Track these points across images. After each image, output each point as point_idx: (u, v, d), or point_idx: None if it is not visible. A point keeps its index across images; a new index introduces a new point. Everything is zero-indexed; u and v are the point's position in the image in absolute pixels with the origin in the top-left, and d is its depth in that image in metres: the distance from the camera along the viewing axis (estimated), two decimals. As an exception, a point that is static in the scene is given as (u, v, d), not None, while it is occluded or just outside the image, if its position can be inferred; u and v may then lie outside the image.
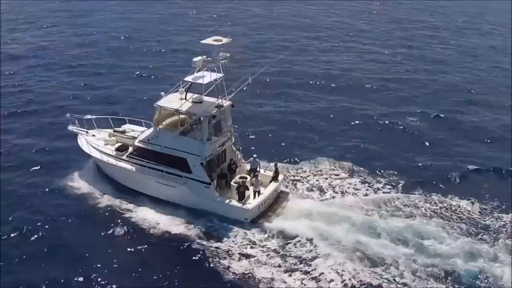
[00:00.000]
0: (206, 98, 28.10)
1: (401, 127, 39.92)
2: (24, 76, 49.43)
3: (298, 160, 33.57)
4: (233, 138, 29.25)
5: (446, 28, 75.73)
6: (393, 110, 43.30)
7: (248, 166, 29.65)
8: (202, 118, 27.04)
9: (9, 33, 64.83)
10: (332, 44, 63.87)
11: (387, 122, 40.74)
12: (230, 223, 27.12)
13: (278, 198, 29.08)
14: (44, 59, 54.41)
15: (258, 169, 29.29)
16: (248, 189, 27.78)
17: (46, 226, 26.83)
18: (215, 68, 27.35)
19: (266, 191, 28.26)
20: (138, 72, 50.18)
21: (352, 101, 44.93)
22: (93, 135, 31.04)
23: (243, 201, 27.22)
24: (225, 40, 27.26)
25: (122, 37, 63.67)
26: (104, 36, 64.41)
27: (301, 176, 31.92)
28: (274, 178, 29.08)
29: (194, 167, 27.40)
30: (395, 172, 32.54)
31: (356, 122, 40.71)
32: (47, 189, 29.76)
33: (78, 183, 29.95)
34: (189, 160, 27.39)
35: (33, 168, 31.91)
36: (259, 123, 39.46)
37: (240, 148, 30.13)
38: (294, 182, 31.19)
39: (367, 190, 30.53)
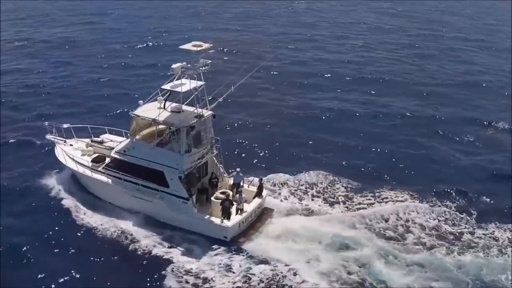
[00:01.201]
0: (185, 107, 26.40)
1: (461, 138, 37.74)
2: (37, 75, 49.06)
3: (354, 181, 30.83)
4: (214, 150, 27.39)
5: (470, 29, 74.48)
6: (445, 118, 41.21)
7: (231, 181, 27.78)
8: (180, 129, 25.36)
9: (21, 31, 65.25)
10: (361, 45, 62.93)
11: (441, 131, 38.65)
12: (208, 242, 25.18)
13: (261, 215, 27.13)
14: (58, 58, 54.35)
15: (241, 184, 27.42)
16: (233, 204, 25.83)
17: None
18: (195, 76, 25.68)
19: (249, 208, 26.33)
20: (160, 72, 48.33)
21: (396, 106, 43.31)
22: (71, 145, 29.61)
23: (223, 217, 25.29)
24: (205, 45, 25.63)
25: (140, 36, 63.29)
26: (122, 35, 64.34)
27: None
28: (258, 193, 27.17)
29: (171, 181, 25.67)
30: (462, 193, 29.80)
31: (408, 131, 38.43)
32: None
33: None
34: (166, 173, 25.68)
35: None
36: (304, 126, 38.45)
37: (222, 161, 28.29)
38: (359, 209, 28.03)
39: (430, 217, 27.46)
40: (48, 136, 30.10)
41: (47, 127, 30.07)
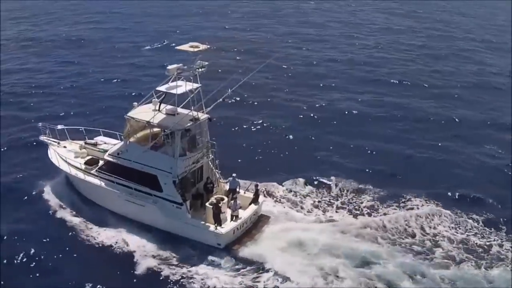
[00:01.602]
0: (181, 110, 25.69)
1: (481, 141, 36.71)
2: (45, 75, 48.50)
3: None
4: (210, 155, 26.59)
5: (479, 30, 73.66)
6: (462, 120, 40.38)
7: (226, 186, 26.98)
8: (175, 132, 24.63)
9: (27, 30, 65.12)
10: (373, 46, 62.19)
11: (460, 134, 37.75)
12: (201, 249, 24.43)
13: (257, 222, 26.28)
14: (65, 58, 54.01)
15: (237, 189, 26.61)
16: (221, 211, 24.81)
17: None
18: (191, 78, 24.94)
19: (244, 214, 25.55)
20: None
21: (413, 109, 42.61)
22: (64, 147, 28.96)
23: (216, 224, 24.53)
24: (202, 46, 24.90)
25: (149, 36, 62.72)
26: (129, 35, 63.84)
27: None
28: (254, 200, 26.35)
29: (165, 185, 24.94)
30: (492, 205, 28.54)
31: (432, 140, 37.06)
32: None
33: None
34: (159, 177, 24.94)
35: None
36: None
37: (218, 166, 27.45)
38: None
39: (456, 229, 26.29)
40: (42, 138, 29.50)
41: (40, 128, 29.46)
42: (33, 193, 28.39)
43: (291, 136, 36.67)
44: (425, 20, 78.63)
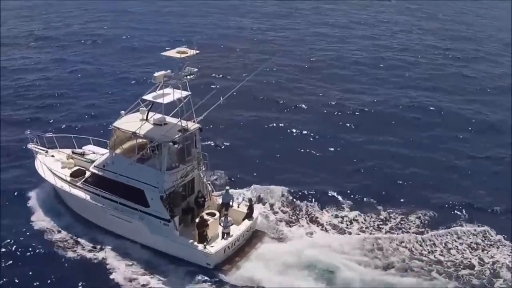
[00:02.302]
0: (169, 120, 24.09)
1: None
2: (59, 75, 47.14)
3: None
4: (202, 167, 24.91)
5: (499, 32, 70.41)
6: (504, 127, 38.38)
7: (219, 200, 25.32)
8: (162, 144, 23.04)
9: (39, 29, 63.56)
10: (400, 49, 59.65)
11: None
12: (190, 269, 22.80)
13: (251, 239, 24.59)
14: (79, 58, 52.43)
15: (231, 203, 24.97)
16: (206, 228, 22.98)
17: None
18: (180, 85, 23.27)
19: (236, 231, 23.88)
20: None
21: (452, 115, 40.73)
22: (52, 156, 27.61)
23: (205, 243, 22.90)
24: (190, 52, 23.10)
25: (166, 36, 60.39)
26: (144, 35, 61.75)
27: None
28: (248, 215, 24.65)
29: (152, 200, 23.39)
30: None
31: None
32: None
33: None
34: (146, 192, 23.39)
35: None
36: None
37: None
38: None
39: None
40: (30, 146, 28.11)
41: (28, 136, 28.08)
42: (30, 201, 27.23)
43: (331, 147, 34.60)
44: (446, 22, 75.40)
